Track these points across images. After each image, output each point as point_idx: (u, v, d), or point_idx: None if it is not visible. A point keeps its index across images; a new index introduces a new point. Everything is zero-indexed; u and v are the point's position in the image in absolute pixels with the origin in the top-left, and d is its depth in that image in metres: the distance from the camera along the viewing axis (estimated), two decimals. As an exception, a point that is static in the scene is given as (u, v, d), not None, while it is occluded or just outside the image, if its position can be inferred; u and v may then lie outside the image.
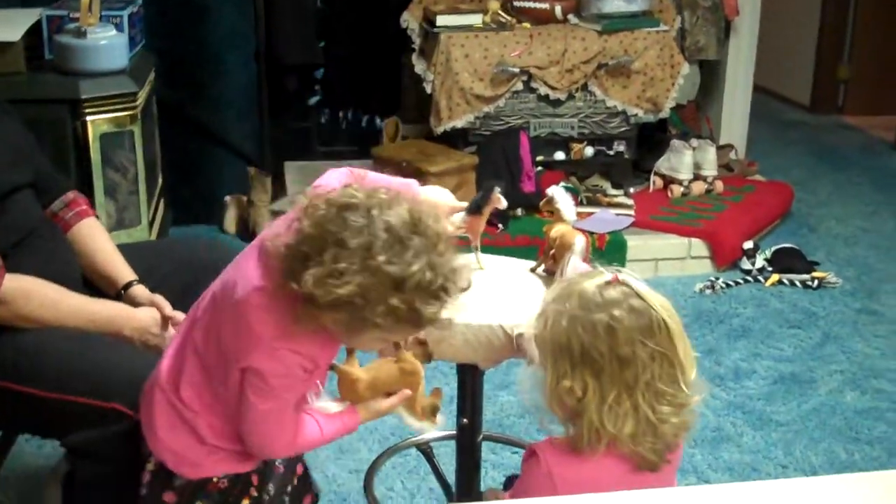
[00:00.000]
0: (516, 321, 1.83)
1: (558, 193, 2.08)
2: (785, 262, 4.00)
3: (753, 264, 3.98)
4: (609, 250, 3.90)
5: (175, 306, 2.10)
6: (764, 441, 2.89)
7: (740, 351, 3.40)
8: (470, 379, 2.05)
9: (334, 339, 1.57)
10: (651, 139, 4.49)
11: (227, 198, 4.24)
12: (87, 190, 3.12)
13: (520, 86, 4.11)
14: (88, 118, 3.12)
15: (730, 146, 4.79)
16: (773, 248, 4.09)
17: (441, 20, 4.06)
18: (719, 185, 4.42)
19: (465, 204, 1.94)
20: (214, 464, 1.68)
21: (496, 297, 1.92)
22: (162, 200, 3.83)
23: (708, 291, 3.83)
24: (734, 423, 2.97)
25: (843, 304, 3.79)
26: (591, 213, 4.11)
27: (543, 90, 4.12)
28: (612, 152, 4.33)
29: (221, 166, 4.29)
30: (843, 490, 1.52)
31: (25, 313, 1.95)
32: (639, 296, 1.54)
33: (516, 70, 4.05)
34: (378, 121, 4.67)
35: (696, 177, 4.39)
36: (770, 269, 3.99)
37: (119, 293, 2.17)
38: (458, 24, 4.06)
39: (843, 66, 6.41)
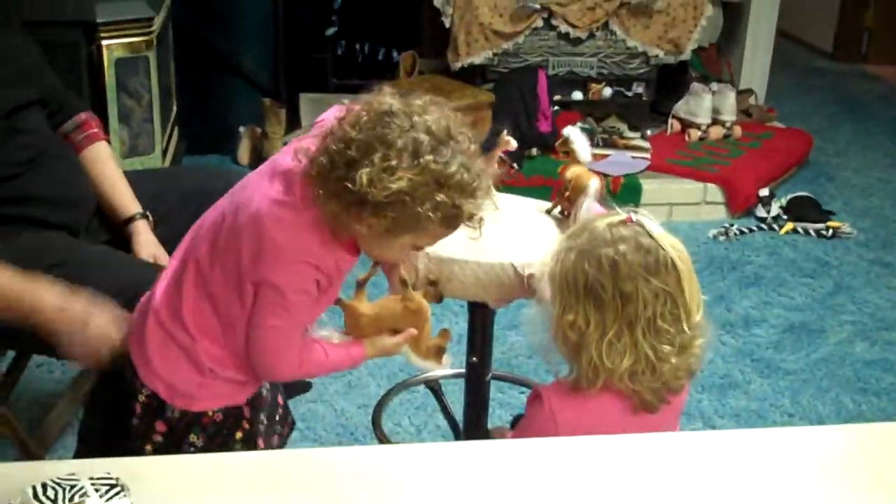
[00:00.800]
0: (527, 260, 1.82)
1: (574, 134, 2.05)
2: (800, 210, 3.98)
3: (768, 212, 3.95)
4: (623, 193, 3.87)
5: (182, 234, 2.08)
6: (771, 389, 2.90)
7: (751, 298, 3.39)
8: (480, 317, 2.05)
9: (355, 254, 1.59)
10: (670, 81, 4.43)
11: (242, 128, 4.21)
12: (101, 115, 3.09)
13: (539, 22, 4.05)
14: (104, 42, 3.09)
15: (749, 91, 4.74)
16: (789, 196, 4.07)
17: (462, -47, 3.99)
18: (737, 131, 4.37)
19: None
20: (209, 396, 1.67)
21: (508, 236, 1.90)
22: (175, 129, 3.81)
23: (721, 238, 3.81)
24: (742, 370, 2.97)
25: (857, 254, 3.77)
26: (607, 155, 4.08)
27: (563, 28, 4.07)
28: (630, 94, 4.28)
29: (235, 96, 4.26)
30: (847, 440, 1.52)
31: None
32: (650, 235, 1.55)
33: (537, 6, 3.99)
34: (395, 54, 4.61)
35: (715, 121, 4.35)
36: (785, 217, 3.96)
37: (121, 225, 2.16)
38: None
39: (868, 12, 6.30)
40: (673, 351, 1.54)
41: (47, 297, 1.74)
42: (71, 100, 2.29)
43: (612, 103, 4.31)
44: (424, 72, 4.39)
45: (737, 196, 3.99)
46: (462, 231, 1.67)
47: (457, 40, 4.01)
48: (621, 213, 1.59)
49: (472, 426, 2.16)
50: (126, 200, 2.20)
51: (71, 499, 1.22)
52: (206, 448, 1.68)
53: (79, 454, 2.02)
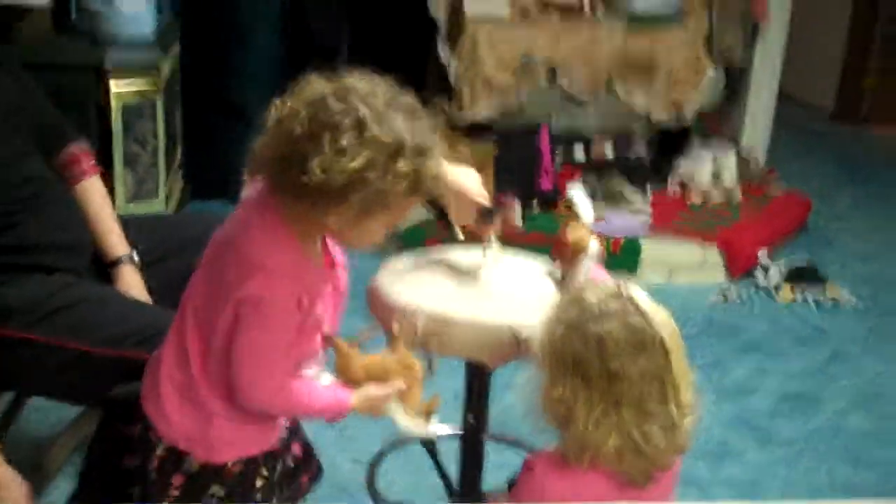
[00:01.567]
0: (525, 322, 1.82)
1: (577, 195, 2.06)
2: (799, 276, 3.98)
3: (767, 277, 3.95)
4: (623, 254, 3.88)
5: (180, 283, 2.09)
6: (767, 458, 2.88)
7: (748, 365, 3.38)
8: (477, 377, 2.05)
9: (332, 266, 1.61)
10: (672, 143, 4.46)
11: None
12: (107, 160, 3.12)
13: (544, 82, 4.07)
14: (112, 87, 3.11)
15: (751, 154, 4.75)
16: (788, 261, 4.06)
17: (469, 6, 4.02)
18: (738, 193, 4.39)
19: (486, 195, 1.96)
20: (227, 445, 1.67)
21: (507, 296, 1.91)
22: (180, 173, 3.82)
23: (720, 302, 3.81)
24: (739, 437, 2.96)
25: (856, 322, 3.77)
26: (608, 215, 4.08)
27: (567, 86, 4.09)
28: (632, 154, 4.30)
29: (243, 141, 4.23)
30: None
31: None
32: (639, 311, 1.53)
33: (542, 63, 4.01)
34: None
35: (716, 183, 4.36)
36: (784, 283, 3.96)
37: (107, 266, 2.15)
38: (485, 12, 4.02)
39: (869, 75, 6.34)
40: (660, 432, 1.52)
41: None
42: (63, 131, 2.27)
43: (613, 162, 4.32)
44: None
45: (737, 258, 4.00)
46: (448, 284, 1.69)
47: (461, 94, 4.03)
48: (611, 286, 1.58)
49: (468, 486, 2.15)
50: (113, 241, 2.19)
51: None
52: (229, 498, 1.69)
53: (76, 497, 2.01)
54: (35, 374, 1.98)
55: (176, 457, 1.68)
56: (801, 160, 5.57)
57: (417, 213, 2.30)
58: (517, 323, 1.82)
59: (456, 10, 4.07)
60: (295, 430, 1.88)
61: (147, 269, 2.20)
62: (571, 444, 1.54)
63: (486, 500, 2.01)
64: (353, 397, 1.68)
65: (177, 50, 3.58)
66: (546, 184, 4.02)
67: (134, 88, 3.16)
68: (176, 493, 1.70)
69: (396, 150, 1.46)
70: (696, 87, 4.19)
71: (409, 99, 1.53)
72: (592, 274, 1.91)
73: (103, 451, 1.90)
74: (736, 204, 4.35)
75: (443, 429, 1.83)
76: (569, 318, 1.55)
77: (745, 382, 3.27)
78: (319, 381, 1.68)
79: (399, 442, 2.55)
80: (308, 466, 1.94)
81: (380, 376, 1.70)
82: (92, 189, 2.23)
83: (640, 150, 4.29)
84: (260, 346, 1.56)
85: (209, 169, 4.17)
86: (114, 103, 3.12)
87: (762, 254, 4.03)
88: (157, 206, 3.32)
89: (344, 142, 1.44)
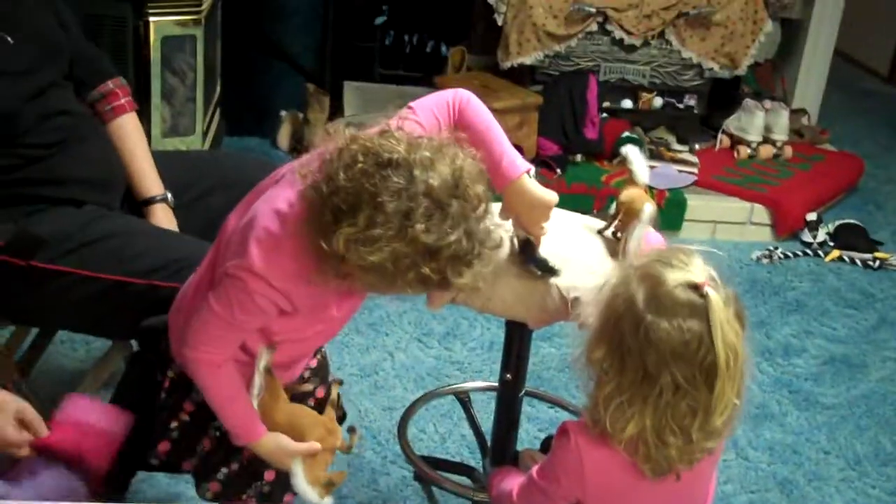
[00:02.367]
0: (573, 283, 1.74)
1: (632, 153, 1.95)
2: (847, 238, 3.87)
3: (815, 237, 3.85)
4: (668, 208, 3.78)
5: (215, 222, 2.04)
6: (808, 423, 2.81)
7: (792, 326, 3.30)
8: (518, 335, 1.97)
9: (328, 293, 1.52)
10: (723, 96, 4.33)
11: (283, 113, 4.16)
12: (144, 92, 3.07)
13: (594, 27, 3.97)
14: (152, 18, 3.05)
15: (803, 111, 4.62)
16: (837, 223, 3.96)
17: (520, -50, 3.91)
18: (788, 151, 4.27)
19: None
20: None
21: (554, 255, 1.82)
22: (217, 110, 3.76)
23: (765, 261, 3.72)
24: (779, 401, 2.89)
25: (904, 287, 3.67)
26: (654, 167, 3.98)
27: (618, 34, 3.98)
28: (681, 105, 4.19)
29: (280, 80, 4.20)
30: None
31: None
32: (706, 318, 1.37)
33: (593, 10, 3.90)
34: (444, 48, 4.54)
35: (766, 140, 4.25)
36: (831, 243, 3.86)
37: (140, 205, 2.12)
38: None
39: (928, 37, 6.16)
40: (677, 444, 1.42)
41: None
42: (99, 66, 2.21)
43: (661, 114, 4.22)
44: (472, 68, 4.32)
45: (784, 218, 3.89)
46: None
47: (508, 39, 3.93)
48: (697, 274, 1.41)
49: (501, 443, 2.09)
50: (148, 181, 2.14)
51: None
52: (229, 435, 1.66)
53: None
54: (66, 307, 1.95)
55: (187, 381, 1.65)
56: (854, 121, 5.43)
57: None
58: (565, 283, 1.74)
59: (506, -48, 3.96)
60: (319, 372, 1.83)
61: (182, 208, 2.15)
62: (590, 410, 1.47)
63: (521, 460, 1.94)
64: (265, 436, 1.61)
65: (219, -19, 3.51)
66: (591, 133, 3.92)
67: (174, 20, 3.09)
68: (186, 418, 1.70)
69: (431, 254, 1.33)
70: (751, 40, 4.05)
71: (479, 188, 1.38)
72: (647, 239, 1.80)
73: (128, 392, 1.87)
74: (785, 161, 4.23)
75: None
76: (633, 294, 1.41)
77: (788, 344, 3.18)
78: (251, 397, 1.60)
79: (433, 393, 2.50)
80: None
81: (298, 430, 1.64)
82: (128, 126, 2.18)
83: (690, 102, 4.18)
84: (213, 317, 1.51)
85: (246, 106, 4.12)
86: (153, 35, 3.05)
87: (811, 214, 3.91)
88: (193, 141, 3.27)
89: (379, 230, 1.31)
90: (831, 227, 3.93)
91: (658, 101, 4.17)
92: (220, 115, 3.81)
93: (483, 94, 3.72)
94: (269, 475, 1.73)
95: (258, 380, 1.59)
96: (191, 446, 1.72)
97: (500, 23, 3.94)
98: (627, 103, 4.16)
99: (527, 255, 1.75)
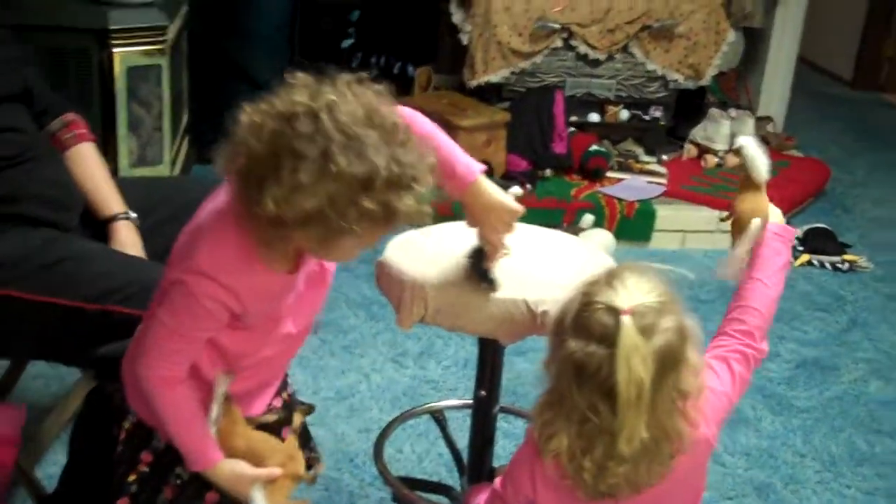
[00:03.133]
0: (541, 297, 1.76)
1: (751, 145, 1.68)
2: (816, 242, 3.92)
3: (784, 243, 3.88)
4: (637, 219, 3.82)
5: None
6: (783, 427, 2.83)
7: (764, 332, 3.32)
8: (490, 351, 1.98)
9: (295, 270, 1.50)
10: (688, 106, 4.38)
11: (253, 138, 4.16)
12: (110, 123, 3.07)
13: (559, 43, 4.01)
14: (115, 49, 3.05)
15: (768, 118, 4.68)
16: (806, 228, 4.00)
17: (482, -31, 3.94)
18: (755, 159, 4.30)
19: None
20: None
21: (522, 269, 1.84)
22: (186, 138, 3.76)
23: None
24: (754, 406, 2.91)
25: (873, 289, 3.71)
26: (622, 179, 4.02)
27: (583, 49, 4.02)
28: (647, 117, 4.23)
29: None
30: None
31: None
32: (614, 343, 1.36)
33: (557, 26, 3.94)
34: (411, 69, 4.56)
35: (732, 148, 4.28)
36: (800, 248, 3.90)
37: (103, 223, 2.08)
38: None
39: (889, 41, 6.24)
40: (590, 466, 1.42)
41: None
42: (58, 100, 2.20)
43: (628, 127, 4.26)
44: (440, 88, 4.34)
45: (752, 225, 3.92)
46: (459, 257, 1.65)
47: (474, 58, 3.96)
48: (625, 300, 1.38)
49: (477, 460, 2.10)
50: (109, 199, 2.10)
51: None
52: (192, 482, 1.62)
53: (66, 472, 1.97)
54: (19, 332, 1.90)
55: (144, 431, 1.62)
56: (819, 127, 5.50)
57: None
58: (533, 297, 1.75)
59: (468, -29, 3.99)
60: (284, 411, 1.78)
61: (144, 232, 2.12)
62: (535, 423, 1.48)
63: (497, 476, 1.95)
64: (220, 463, 1.57)
65: (184, 11, 3.51)
66: (559, 148, 3.95)
67: (138, 50, 3.09)
68: (144, 469, 1.64)
69: (364, 185, 1.32)
70: (715, 50, 4.10)
71: (395, 117, 1.38)
72: (765, 244, 1.67)
73: (89, 417, 1.86)
74: (753, 169, 4.27)
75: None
76: (566, 311, 1.44)
77: (761, 351, 3.20)
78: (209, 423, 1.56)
79: (408, 414, 2.51)
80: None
81: (258, 456, 1.60)
82: (88, 151, 2.15)
83: (656, 113, 4.22)
84: (164, 328, 1.48)
85: (215, 133, 4.10)
86: (117, 66, 3.05)
87: (779, 220, 3.95)
88: (162, 170, 3.27)
89: (303, 176, 1.30)
90: (800, 232, 3.96)
91: (624, 114, 4.21)
92: (188, 144, 3.81)
93: (451, 113, 3.82)
94: None
95: (216, 407, 1.55)
96: (151, 499, 1.65)
97: (465, 42, 3.98)
98: (594, 117, 4.19)
99: (472, 262, 1.76)
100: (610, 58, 4.06)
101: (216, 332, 1.51)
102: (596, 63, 4.06)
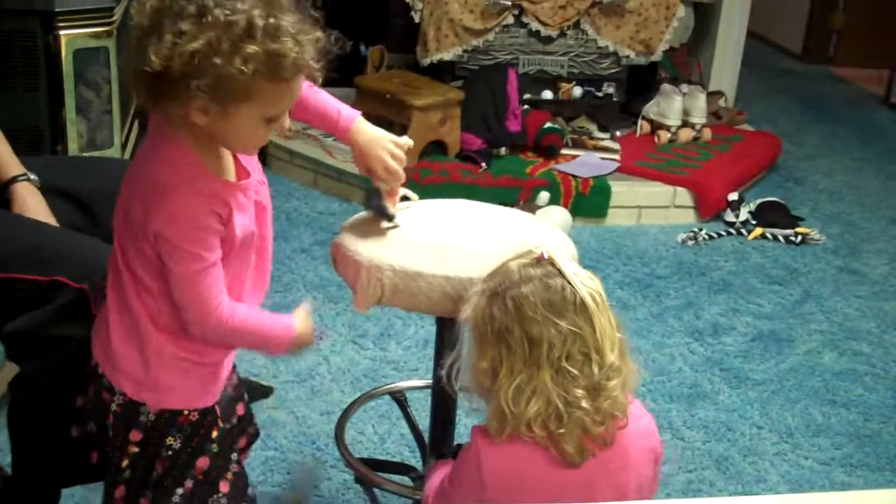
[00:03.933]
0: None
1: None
2: (769, 215, 3.95)
3: (737, 217, 3.92)
4: (593, 195, 3.82)
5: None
6: (740, 399, 2.86)
7: (720, 305, 3.35)
8: (448, 331, 1.97)
9: (245, 175, 1.57)
10: (641, 82, 4.40)
11: (204, 120, 4.12)
12: (58, 106, 3.01)
13: (510, 20, 4.00)
14: (62, 32, 2.98)
15: (720, 93, 4.71)
16: (758, 201, 4.04)
17: (433, -53, 3.92)
18: (707, 133, 4.34)
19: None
20: (170, 391, 1.62)
21: (476, 247, 1.83)
22: (136, 121, 3.70)
23: (690, 242, 3.78)
24: (711, 379, 2.94)
25: (826, 261, 3.75)
26: (576, 156, 4.03)
27: (535, 26, 4.01)
28: (600, 94, 4.24)
29: (199, 87, 4.15)
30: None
31: None
32: (560, 273, 1.50)
33: (508, 3, 3.93)
34: (363, 48, 4.53)
35: (685, 123, 4.32)
36: (754, 222, 3.94)
37: (2, 188, 2.00)
38: (450, -49, 3.93)
39: (837, 14, 6.31)
40: (584, 394, 1.48)
41: None
42: None
43: (581, 103, 4.26)
44: (393, 67, 4.31)
45: (706, 200, 3.96)
46: (414, 238, 1.69)
47: (426, 36, 3.94)
48: (534, 251, 1.55)
49: (438, 440, 2.10)
50: (8, 162, 2.03)
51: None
52: (184, 449, 1.65)
53: (16, 460, 1.94)
54: None
55: (130, 411, 1.63)
56: (770, 100, 5.55)
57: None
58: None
59: (419, -51, 3.97)
60: (237, 389, 1.84)
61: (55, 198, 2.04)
62: (494, 414, 1.51)
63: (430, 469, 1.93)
64: (293, 318, 1.66)
65: (129, -8, 3.45)
66: (514, 126, 3.95)
67: (85, 32, 3.03)
68: (135, 449, 1.66)
69: (244, 32, 1.38)
70: (665, 26, 4.11)
71: None
72: None
73: (20, 406, 1.87)
74: (705, 144, 4.31)
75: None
76: (490, 286, 1.53)
77: (717, 323, 3.24)
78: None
79: (368, 395, 2.50)
80: (248, 426, 1.92)
81: None
82: None
83: (609, 90, 4.22)
84: (193, 276, 1.51)
85: (167, 116, 4.06)
86: (64, 49, 2.98)
87: (732, 194, 3.99)
88: (112, 154, 3.21)
89: (183, 26, 1.37)
90: (753, 206, 4.00)
91: (578, 91, 4.21)
92: (139, 127, 3.76)
93: (404, 92, 3.80)
94: (223, 487, 1.71)
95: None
96: (144, 479, 1.67)
97: (417, 20, 3.95)
98: (548, 94, 4.19)
99: (372, 202, 1.83)
100: (562, 34, 4.06)
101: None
102: (548, 40, 4.06)
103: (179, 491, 1.68)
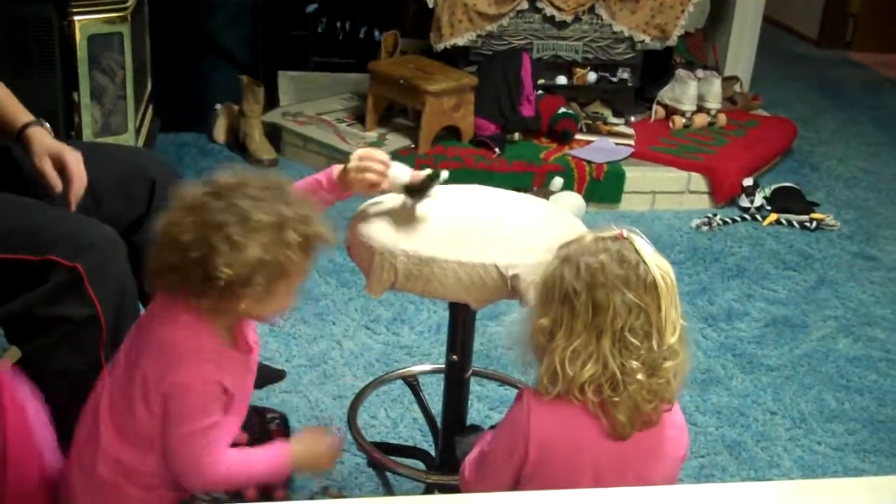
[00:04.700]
0: (511, 261, 1.76)
1: None
2: (784, 201, 3.93)
3: (752, 202, 3.91)
4: (607, 181, 3.82)
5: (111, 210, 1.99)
6: (753, 385, 2.85)
7: (734, 291, 3.34)
8: (461, 317, 1.98)
9: (247, 351, 1.67)
10: (656, 67, 4.37)
11: (218, 106, 4.13)
12: (73, 92, 3.02)
13: (525, 5, 3.98)
14: (76, 17, 3.00)
15: (735, 78, 4.68)
16: (773, 187, 4.02)
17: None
18: (722, 119, 4.32)
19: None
20: None
21: (492, 234, 1.83)
22: (150, 106, 3.71)
23: (704, 228, 3.77)
24: (724, 365, 2.93)
25: (840, 247, 3.74)
26: (591, 142, 4.02)
27: (549, 11, 4.00)
28: (615, 79, 4.22)
29: (213, 73, 4.16)
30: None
31: None
32: (636, 251, 1.52)
33: (522, -13, 3.92)
34: (377, 33, 4.53)
35: (700, 108, 4.30)
36: (768, 207, 3.92)
37: (15, 138, 2.01)
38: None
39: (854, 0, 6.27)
40: (640, 367, 1.50)
41: None
42: None
43: (596, 88, 4.25)
44: (406, 52, 4.31)
45: (721, 185, 3.94)
46: (427, 223, 1.75)
47: (440, 21, 3.93)
48: (615, 229, 1.56)
49: (451, 424, 2.11)
50: (17, 112, 2.03)
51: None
52: None
53: None
54: None
55: None
56: (786, 85, 5.52)
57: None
58: (503, 261, 1.75)
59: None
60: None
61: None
62: (542, 374, 1.53)
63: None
64: (290, 445, 1.71)
65: (143, -22, 3.45)
66: (528, 111, 3.94)
67: (99, 17, 3.04)
68: None
69: (281, 226, 1.54)
70: (681, 11, 4.09)
71: (277, 178, 1.62)
72: None
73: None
74: (720, 129, 4.29)
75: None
76: (565, 252, 1.55)
77: (731, 309, 3.23)
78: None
79: (381, 380, 2.51)
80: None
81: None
82: None
83: (624, 75, 4.21)
84: (193, 437, 1.59)
85: (180, 101, 4.07)
86: (78, 34, 3.00)
87: (747, 179, 3.97)
88: (126, 139, 3.23)
89: (235, 236, 1.51)
90: (768, 192, 3.99)
91: (592, 76, 4.19)
92: (153, 112, 3.77)
93: (418, 78, 3.79)
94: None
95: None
96: None
97: (431, 5, 3.94)
98: (562, 79, 4.18)
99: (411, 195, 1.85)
100: (576, 19, 4.04)
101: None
102: (563, 25, 4.04)
103: None
